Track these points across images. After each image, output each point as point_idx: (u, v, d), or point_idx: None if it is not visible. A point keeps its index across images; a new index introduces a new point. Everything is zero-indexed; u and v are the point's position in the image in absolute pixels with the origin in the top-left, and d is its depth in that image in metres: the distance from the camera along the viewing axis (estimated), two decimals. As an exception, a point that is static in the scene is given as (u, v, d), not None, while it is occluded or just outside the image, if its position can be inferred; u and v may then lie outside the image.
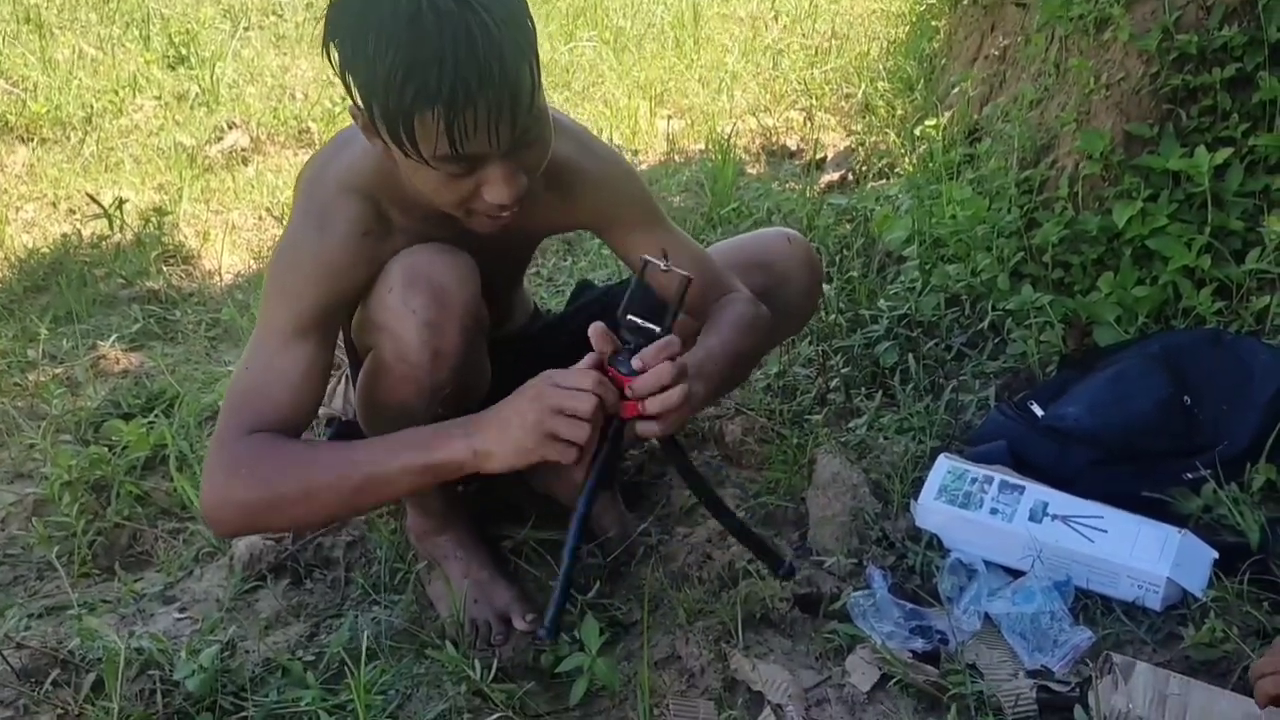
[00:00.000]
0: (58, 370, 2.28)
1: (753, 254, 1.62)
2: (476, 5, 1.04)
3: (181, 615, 1.55)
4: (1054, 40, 2.71)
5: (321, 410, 1.60)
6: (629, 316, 1.19)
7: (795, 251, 1.63)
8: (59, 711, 1.29)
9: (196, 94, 4.76)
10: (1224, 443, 1.71)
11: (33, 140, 4.19)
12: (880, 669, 1.38)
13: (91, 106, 4.38)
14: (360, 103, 1.12)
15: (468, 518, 1.62)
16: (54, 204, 3.44)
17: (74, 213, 3.38)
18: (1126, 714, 1.22)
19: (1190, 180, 2.06)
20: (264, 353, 1.26)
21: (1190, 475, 1.67)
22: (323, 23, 1.12)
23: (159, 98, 4.72)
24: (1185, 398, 1.79)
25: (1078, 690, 1.31)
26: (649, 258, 1.21)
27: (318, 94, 4.93)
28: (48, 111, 4.35)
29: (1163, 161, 2.10)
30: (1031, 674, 1.36)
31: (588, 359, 1.19)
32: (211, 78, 4.80)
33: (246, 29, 6.74)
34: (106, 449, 1.86)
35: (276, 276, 1.28)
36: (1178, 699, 1.23)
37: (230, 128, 4.14)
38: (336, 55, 1.11)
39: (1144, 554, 1.47)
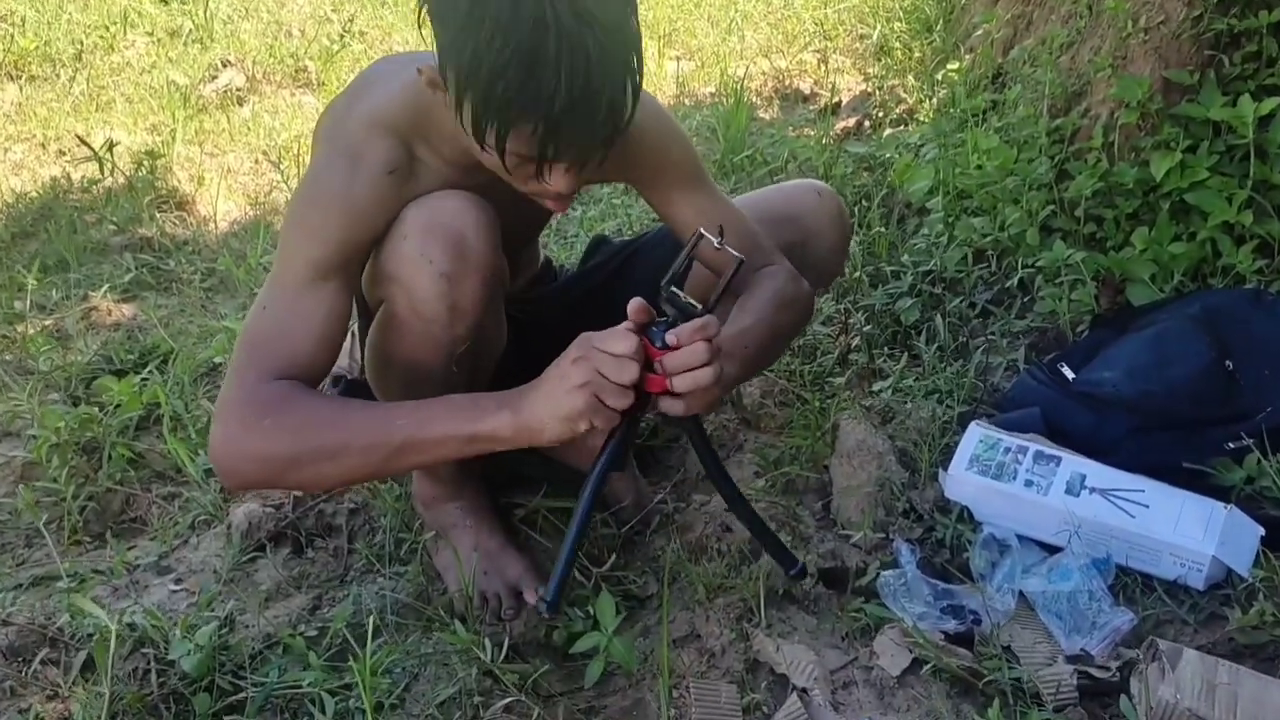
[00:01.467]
0: (47, 322, 2.19)
1: (781, 207, 1.53)
2: (594, 20, 1.00)
3: (177, 587, 1.48)
4: (1087, -23, 2.59)
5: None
6: (671, 289, 1.11)
7: (825, 205, 1.54)
8: (48, 692, 1.23)
9: (190, 30, 4.61)
10: (1268, 409, 1.63)
11: (21, 77, 4.06)
12: (911, 651, 1.31)
13: (82, 43, 4.24)
14: (450, 78, 1.06)
15: (478, 485, 1.55)
16: (43, 145, 3.33)
17: (64, 154, 3.27)
18: (1174, 705, 1.15)
19: (1233, 131, 1.97)
20: (284, 294, 1.18)
21: (1233, 444, 1.59)
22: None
23: (151, 34, 4.57)
24: (1227, 362, 1.71)
25: (1118, 676, 1.25)
26: (704, 231, 1.13)
27: (315, 30, 4.78)
28: (37, 47, 4.22)
29: (1204, 110, 2.00)
30: (1070, 659, 1.29)
31: (626, 324, 1.10)
32: (205, 13, 4.64)
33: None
34: (97, 408, 1.78)
35: (298, 214, 1.21)
36: (1227, 689, 1.16)
37: (225, 66, 4.02)
38: (435, 20, 1.06)
39: (1188, 530, 1.40)
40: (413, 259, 1.18)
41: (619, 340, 1.08)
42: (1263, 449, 1.57)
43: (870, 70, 3.97)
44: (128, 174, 2.81)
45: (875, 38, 4.23)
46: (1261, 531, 1.43)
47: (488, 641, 1.32)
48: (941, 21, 3.95)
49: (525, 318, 1.58)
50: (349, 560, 1.57)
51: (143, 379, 1.90)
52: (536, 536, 1.59)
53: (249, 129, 3.47)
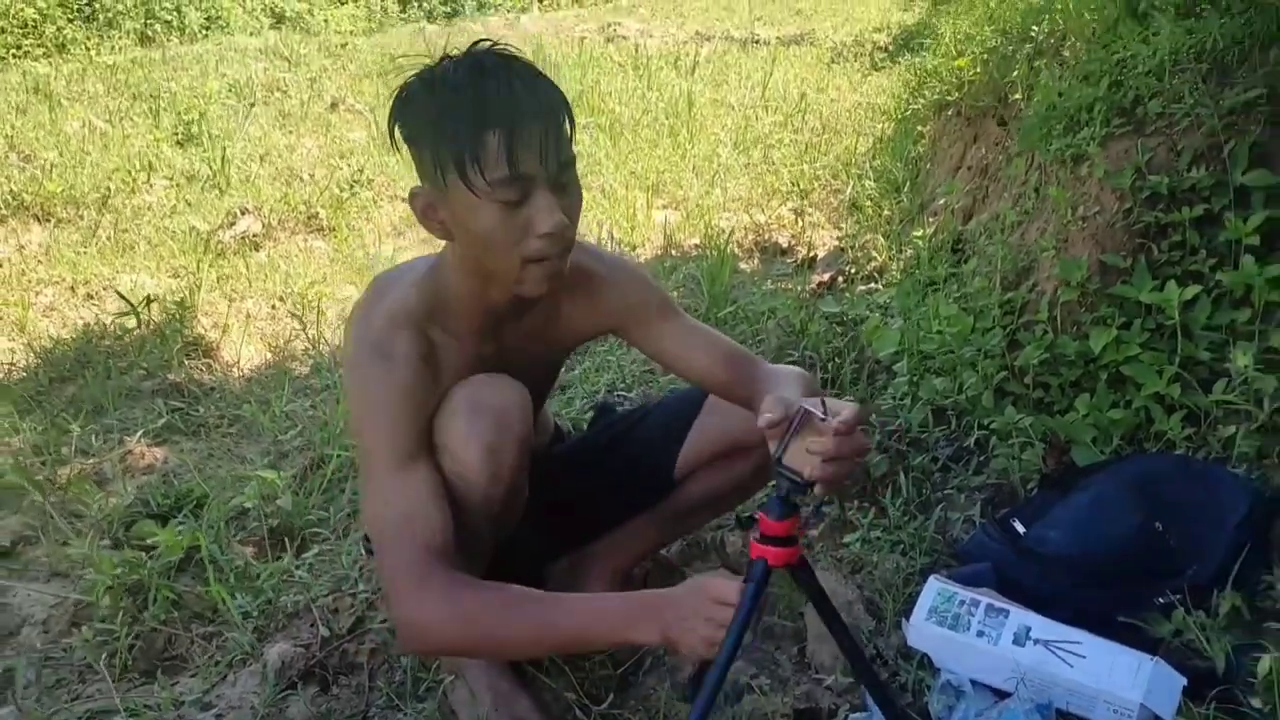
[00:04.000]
0: (86, 464, 2.38)
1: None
2: (522, 64, 1.29)
3: (218, 722, 1.64)
4: (1034, 165, 2.90)
5: (367, 527, 1.70)
6: (781, 464, 1.24)
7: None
8: (111, 821, 1.38)
9: (207, 175, 4.90)
10: (1193, 568, 1.84)
11: (48, 220, 4.31)
12: (877, 788, 1.48)
13: (107, 188, 4.51)
14: (425, 162, 1.30)
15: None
16: (72, 289, 3.56)
17: (91, 298, 3.50)
18: (1103, 839, 1.32)
19: (1161, 312, 2.21)
20: (391, 486, 1.37)
21: (1162, 600, 1.79)
22: (388, 117, 1.31)
23: (170, 179, 4.87)
24: (1157, 523, 1.92)
25: (1059, 812, 1.42)
26: (808, 408, 1.24)
27: (324, 176, 5.09)
28: (62, 191, 4.48)
29: (1135, 292, 2.25)
30: (1016, 795, 1.46)
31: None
32: (222, 160, 4.95)
33: (252, 105, 6.91)
34: (143, 552, 1.96)
35: (365, 418, 1.40)
36: (1150, 824, 1.34)
37: (243, 213, 4.29)
38: (402, 134, 1.31)
39: (1119, 680, 1.59)
40: (462, 432, 1.39)
41: (729, 590, 1.26)
42: (1187, 604, 1.77)
43: (843, 226, 4.28)
44: (157, 322, 3.03)
45: (848, 195, 4.57)
46: (1184, 681, 1.61)
47: (500, 776, 1.48)
48: (908, 184, 4.29)
49: (537, 477, 1.78)
50: (370, 697, 1.73)
51: (180, 522, 2.08)
52: (543, 678, 1.75)
53: (265, 274, 3.72)
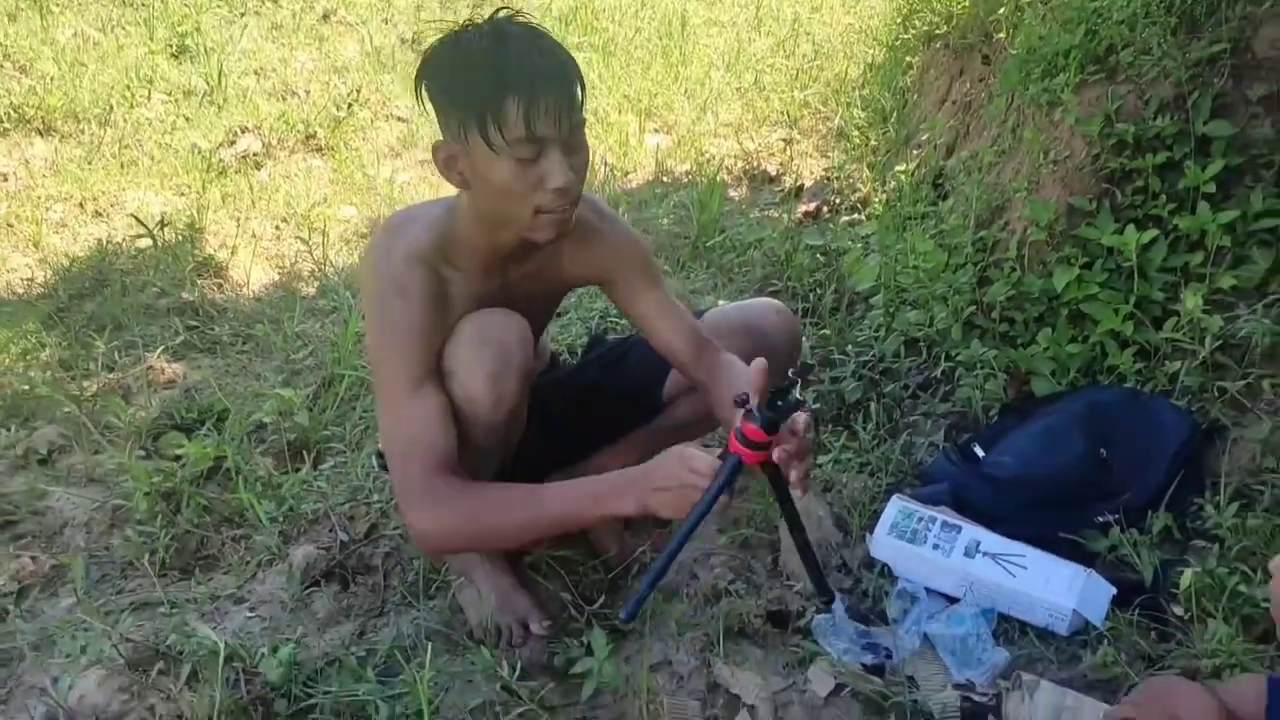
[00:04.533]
0: (111, 379, 2.53)
1: (744, 322, 1.90)
2: (541, 33, 1.44)
3: (251, 614, 1.83)
4: (1012, 105, 3.02)
5: (380, 444, 1.87)
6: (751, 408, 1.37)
7: (782, 323, 1.92)
8: (163, 695, 1.57)
9: (204, 91, 4.95)
10: (1131, 491, 2.04)
11: (50, 134, 4.38)
12: (836, 679, 1.68)
13: (107, 103, 4.56)
14: (449, 119, 1.44)
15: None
16: (81, 205, 3.66)
17: (100, 214, 3.60)
18: (1029, 723, 1.53)
19: (1121, 254, 2.37)
20: (402, 408, 1.55)
21: (1101, 519, 1.99)
22: (415, 78, 1.47)
23: (169, 94, 4.91)
24: (1102, 451, 2.11)
25: (994, 701, 1.63)
26: (792, 373, 1.39)
27: (320, 93, 5.15)
28: (63, 105, 4.53)
29: (1098, 235, 2.40)
30: (958, 686, 1.67)
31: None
32: (219, 76, 4.99)
33: (243, 14, 6.88)
34: (172, 461, 2.13)
35: (381, 345, 1.57)
36: (1071, 713, 1.54)
37: (243, 132, 4.36)
38: (429, 93, 1.46)
39: (1055, 589, 1.79)
40: (469, 362, 1.55)
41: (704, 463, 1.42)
42: (1124, 524, 1.96)
43: (831, 155, 4.39)
44: (169, 241, 3.16)
45: (836, 123, 4.66)
46: (1114, 591, 1.82)
47: (505, 662, 1.68)
48: (895, 114, 4.38)
49: (535, 400, 1.95)
50: (385, 595, 1.92)
51: (204, 435, 2.25)
52: (540, 580, 1.95)
53: (268, 195, 3.82)
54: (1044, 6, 3.20)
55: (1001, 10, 3.51)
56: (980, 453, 2.21)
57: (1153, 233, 2.34)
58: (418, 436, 1.53)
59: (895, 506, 1.96)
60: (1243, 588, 1.74)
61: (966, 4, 3.98)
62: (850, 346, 2.58)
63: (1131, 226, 2.36)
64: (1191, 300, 2.25)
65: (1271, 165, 2.31)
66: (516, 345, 1.60)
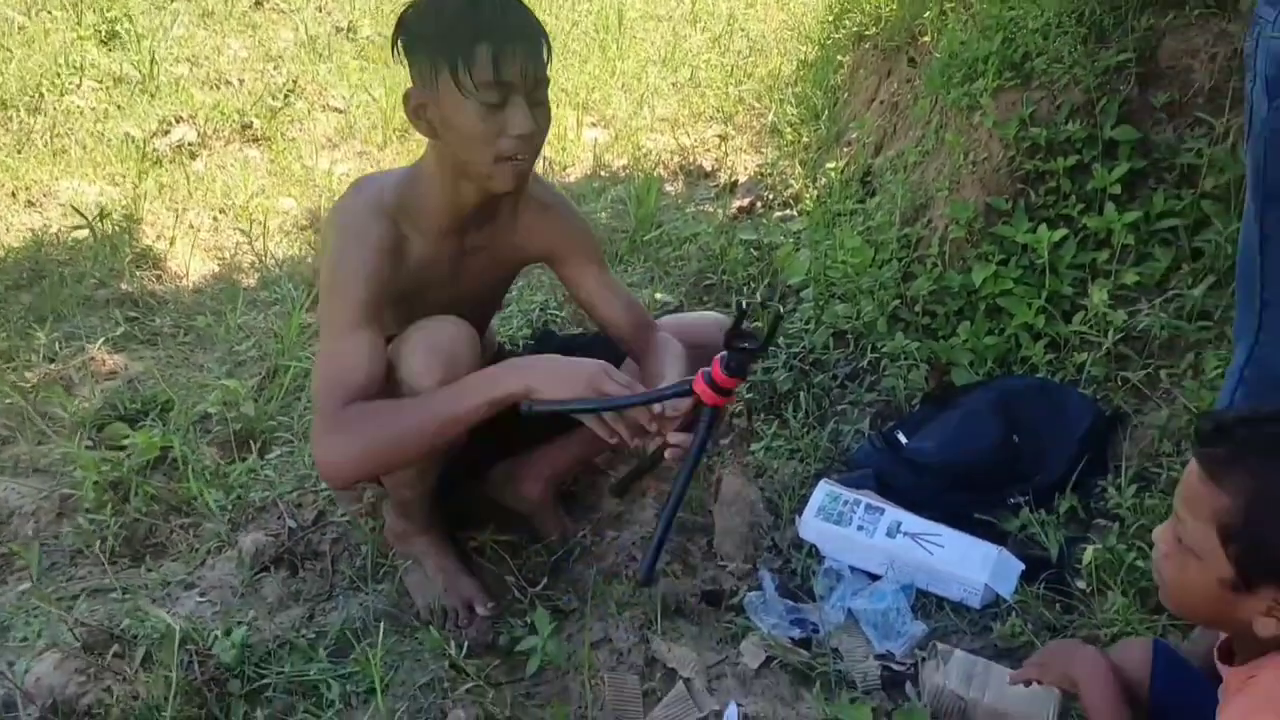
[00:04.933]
0: (52, 370, 2.54)
1: (691, 334, 1.95)
2: None
3: (202, 599, 1.87)
4: (936, 107, 3.15)
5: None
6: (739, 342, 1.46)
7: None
8: (119, 677, 1.61)
9: (136, 79, 4.90)
10: (1040, 474, 2.18)
11: (-23, 121, 4.31)
12: (766, 652, 1.79)
13: (37, 91, 4.50)
14: (422, 67, 1.51)
15: (440, 522, 1.98)
16: (13, 195, 3.62)
17: (33, 204, 3.57)
18: (943, 689, 1.65)
19: (1034, 251, 2.51)
20: (337, 343, 1.57)
21: (1013, 500, 2.13)
22: (393, 30, 1.55)
23: (99, 81, 4.85)
24: (1015, 437, 2.25)
25: (911, 670, 1.75)
26: (746, 303, 1.60)
27: (254, 81, 5.12)
28: (-10, 91, 4.46)
29: (1014, 233, 2.54)
30: (879, 657, 1.79)
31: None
32: (151, 64, 4.94)
33: (173, 0, 6.78)
34: (119, 450, 2.16)
35: (331, 283, 1.61)
36: (980, 678, 1.67)
37: (177, 121, 4.34)
38: (404, 43, 1.54)
39: (970, 565, 1.92)
40: (417, 370, 1.59)
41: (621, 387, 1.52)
42: (1033, 505, 2.10)
43: (764, 151, 4.51)
44: (106, 233, 3.15)
45: (770, 120, 4.78)
46: (1023, 567, 1.95)
47: (453, 642, 1.75)
48: (826, 112, 4.51)
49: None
50: (334, 579, 1.98)
51: (148, 426, 2.28)
52: (485, 563, 2.02)
53: (205, 186, 3.82)
54: (965, 13, 3.34)
55: (926, 15, 3.65)
56: (903, 440, 2.33)
57: (1063, 232, 2.48)
58: (342, 372, 1.55)
59: (823, 490, 2.08)
60: (1140, 563, 1.88)
61: (894, 7, 4.12)
62: (781, 339, 2.69)
63: (1044, 226, 2.50)
64: (1098, 295, 2.40)
65: (1173, 168, 2.47)
66: (466, 353, 1.64)
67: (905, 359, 2.54)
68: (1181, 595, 1.20)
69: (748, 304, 1.56)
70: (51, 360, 2.58)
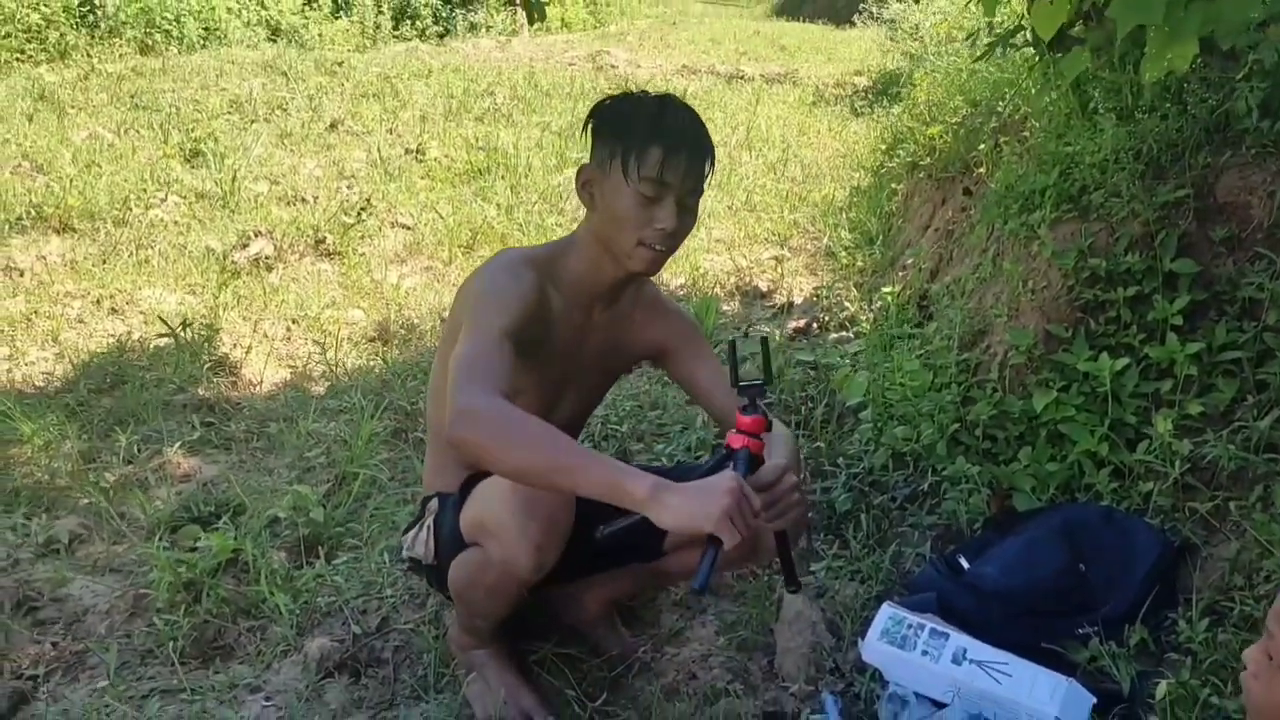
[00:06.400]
0: (129, 472, 2.62)
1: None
2: (697, 115, 1.76)
3: (267, 703, 1.89)
4: (992, 235, 3.21)
5: (405, 552, 1.97)
6: (739, 381, 1.64)
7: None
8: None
9: (217, 195, 5.14)
10: (1109, 605, 2.15)
11: (67, 232, 4.54)
12: (831, 778, 1.76)
13: (124, 204, 4.73)
14: (601, 149, 1.73)
15: (502, 635, 1.99)
16: (97, 302, 3.79)
17: (116, 311, 3.73)
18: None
19: (1096, 379, 2.52)
20: (484, 341, 1.62)
21: (1081, 631, 2.10)
22: (589, 113, 1.78)
23: (182, 196, 5.09)
24: (1081, 565, 2.22)
25: (981, 803, 1.71)
26: (732, 342, 1.73)
27: (328, 199, 5.34)
28: (80, 204, 4.70)
29: (1074, 360, 2.56)
30: (947, 788, 1.75)
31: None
32: (232, 181, 5.19)
33: (253, 122, 7.14)
34: (191, 551, 2.21)
35: (483, 301, 1.70)
36: (1054, 813, 1.63)
37: (255, 235, 4.53)
38: (594, 124, 1.77)
39: (1039, 696, 1.88)
40: (514, 530, 1.64)
41: (757, 500, 1.51)
42: (1102, 636, 2.07)
43: (819, 274, 4.59)
44: (187, 340, 3.28)
45: (825, 243, 4.88)
46: (1094, 700, 1.91)
47: (514, 754, 1.75)
48: (881, 237, 4.60)
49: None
50: (396, 688, 1.99)
51: (221, 528, 2.34)
52: (545, 676, 2.02)
53: (279, 296, 3.97)
54: (1020, 146, 3.44)
55: (981, 147, 3.75)
56: (965, 564, 2.32)
57: (1125, 361, 2.49)
58: (487, 365, 1.58)
59: (886, 613, 2.06)
60: (1215, 700, 1.84)
61: (948, 140, 4.24)
62: (841, 459, 2.71)
63: (1105, 354, 2.51)
64: (1163, 425, 2.39)
65: (1234, 301, 2.49)
66: (563, 515, 1.68)
67: (966, 482, 2.54)
68: (1271, 716, 1.18)
69: (733, 343, 1.71)
70: (130, 462, 2.67)
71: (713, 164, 1.78)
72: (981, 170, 3.65)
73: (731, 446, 1.58)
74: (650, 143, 1.68)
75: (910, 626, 2.03)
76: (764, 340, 1.71)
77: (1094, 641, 2.07)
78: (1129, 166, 2.67)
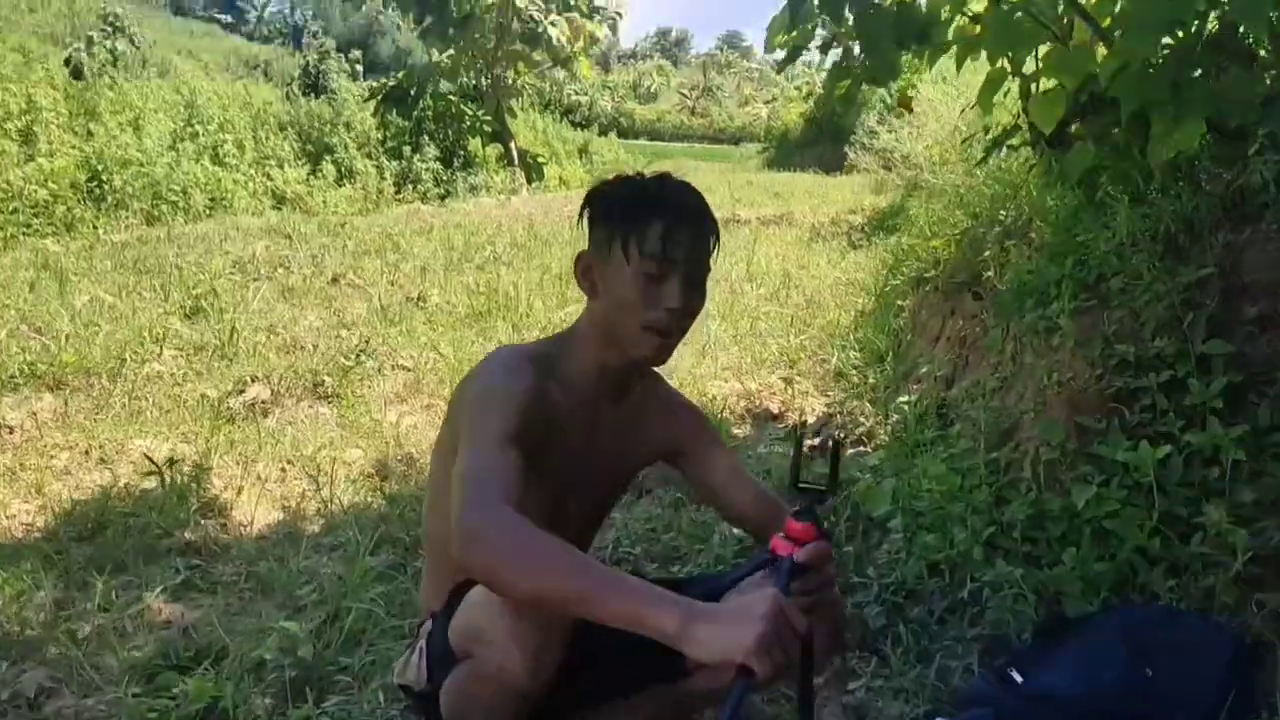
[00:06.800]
0: (106, 620, 2.43)
1: None
2: (696, 190, 1.69)
3: None
4: (1009, 335, 3.10)
5: (394, 679, 1.77)
6: (800, 483, 1.48)
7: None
8: None
9: (215, 346, 5.08)
10: (1183, 713, 1.93)
11: (60, 388, 4.44)
12: None
13: (119, 359, 4.67)
14: (599, 233, 1.63)
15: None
16: (86, 453, 3.66)
17: (105, 461, 3.59)
18: None
19: (1137, 469, 2.35)
20: (489, 450, 1.46)
21: (1157, 742, 1.87)
22: (584, 199, 1.69)
23: (180, 349, 5.03)
24: (1147, 670, 2.01)
25: None
26: (799, 433, 1.52)
27: (329, 346, 5.28)
28: (75, 361, 4.63)
29: (1111, 452, 2.40)
30: None
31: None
32: (230, 332, 5.14)
33: (255, 280, 7.18)
34: (168, 700, 2.01)
35: (481, 405, 1.55)
36: None
37: (251, 381, 4.44)
38: (590, 210, 1.67)
39: (1121, 818, 1.65)
40: (506, 635, 1.45)
41: (800, 619, 1.29)
42: (1181, 747, 1.85)
43: (830, 393, 4.47)
44: (174, 484, 3.14)
45: (833, 364, 4.78)
46: (1183, 819, 1.68)
47: None
48: (891, 353, 4.50)
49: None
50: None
51: (201, 674, 2.13)
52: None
53: (274, 439, 3.84)
54: (1028, 248, 3.37)
55: (988, 252, 3.69)
56: (1018, 677, 2.10)
57: (1166, 449, 2.34)
58: (494, 476, 1.42)
59: (937, 732, 1.85)
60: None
61: (952, 250, 4.19)
62: (871, 569, 2.52)
63: (1144, 443, 2.36)
64: (1215, 514, 2.22)
65: (1273, 382, 2.35)
66: (561, 621, 1.47)
67: (1009, 588, 2.34)
68: None
69: (799, 438, 1.57)
70: (106, 610, 2.48)
71: (717, 240, 1.67)
72: (990, 274, 3.57)
73: (776, 553, 1.40)
74: (649, 217, 1.59)
75: (966, 746, 1.81)
76: (835, 443, 1.54)
77: (1173, 754, 1.85)
78: (1147, 248, 2.59)
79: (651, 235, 1.57)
